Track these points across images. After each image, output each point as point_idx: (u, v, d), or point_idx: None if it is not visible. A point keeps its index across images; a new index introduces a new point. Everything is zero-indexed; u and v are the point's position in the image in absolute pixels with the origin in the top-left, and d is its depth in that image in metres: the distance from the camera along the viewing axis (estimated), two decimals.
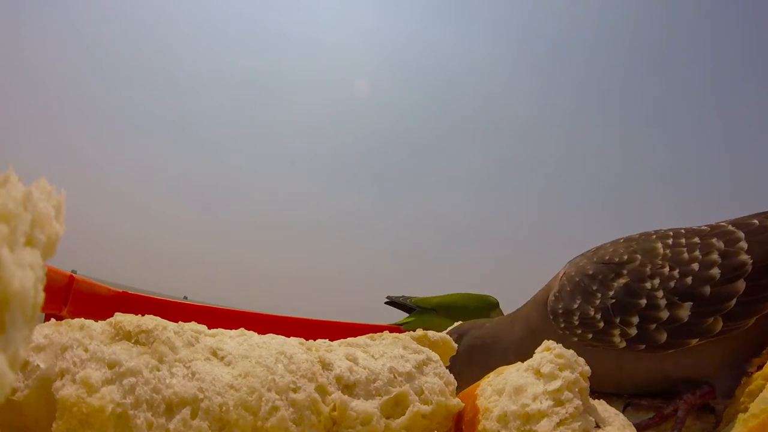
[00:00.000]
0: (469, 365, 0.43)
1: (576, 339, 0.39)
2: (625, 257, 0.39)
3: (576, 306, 0.39)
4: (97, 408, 0.26)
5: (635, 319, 0.37)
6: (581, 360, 0.31)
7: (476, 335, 0.45)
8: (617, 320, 0.37)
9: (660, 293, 0.37)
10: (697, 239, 0.38)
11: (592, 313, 0.38)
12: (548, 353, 0.32)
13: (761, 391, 0.31)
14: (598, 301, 0.38)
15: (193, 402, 0.28)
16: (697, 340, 0.36)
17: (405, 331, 0.44)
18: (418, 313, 0.77)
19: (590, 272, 0.40)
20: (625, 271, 0.38)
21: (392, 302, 0.81)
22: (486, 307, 0.76)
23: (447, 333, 0.47)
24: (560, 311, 0.40)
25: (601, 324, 0.38)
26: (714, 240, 0.38)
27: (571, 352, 0.32)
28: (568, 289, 0.40)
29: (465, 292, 0.79)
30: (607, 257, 0.40)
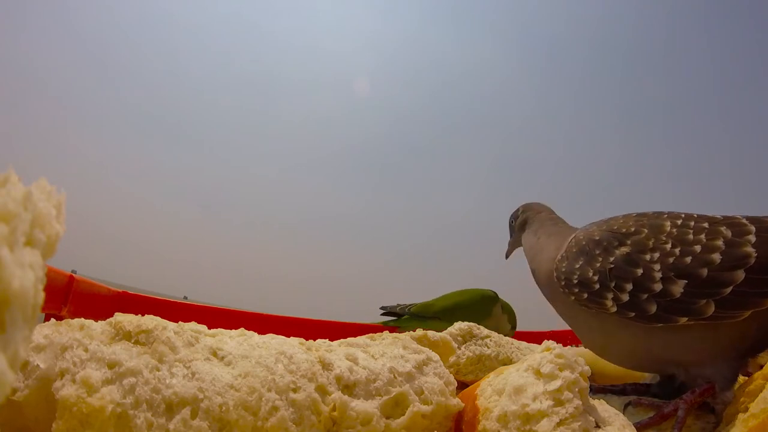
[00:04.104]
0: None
1: (573, 298, 0.41)
2: (633, 229, 0.41)
3: (578, 266, 0.41)
4: (97, 408, 0.26)
5: (629, 286, 0.38)
6: (581, 360, 0.31)
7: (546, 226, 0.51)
8: (612, 284, 0.39)
9: (657, 266, 0.38)
10: (706, 224, 0.39)
11: (591, 274, 0.40)
12: (548, 353, 0.32)
13: (761, 391, 0.31)
14: (598, 265, 0.40)
15: (193, 402, 0.28)
16: (687, 319, 0.36)
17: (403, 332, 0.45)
18: (420, 319, 0.74)
19: (596, 238, 0.41)
20: (629, 241, 0.40)
21: (389, 312, 0.78)
22: (486, 303, 0.74)
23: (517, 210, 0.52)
24: (563, 270, 0.42)
25: (597, 286, 0.39)
26: (723, 228, 0.38)
27: (571, 352, 0.32)
28: (574, 250, 0.42)
29: (462, 290, 0.77)
30: (615, 227, 0.42)
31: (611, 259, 0.39)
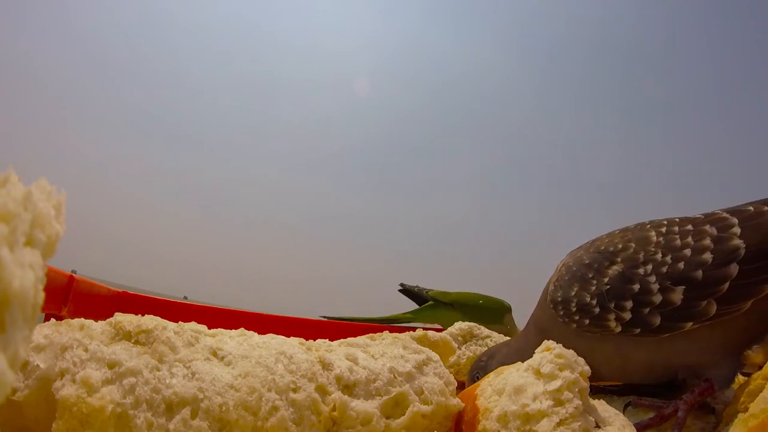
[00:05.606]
0: None
1: (575, 326, 0.40)
2: (620, 246, 0.41)
3: (573, 293, 0.40)
4: (97, 408, 0.26)
5: (629, 304, 0.38)
6: (581, 360, 0.31)
7: (504, 353, 0.47)
8: (612, 305, 0.38)
9: (653, 278, 0.38)
10: (690, 227, 0.39)
11: (588, 299, 0.40)
12: (548, 353, 0.32)
13: (761, 391, 0.31)
14: (593, 288, 0.40)
15: (193, 402, 0.28)
16: (692, 323, 0.37)
17: (413, 327, 0.45)
18: (434, 305, 0.77)
19: (586, 261, 0.41)
20: (619, 259, 0.40)
21: (405, 291, 0.81)
22: (500, 310, 0.76)
23: (479, 358, 0.48)
24: (559, 299, 0.41)
25: (597, 309, 0.39)
26: (707, 227, 0.39)
27: (571, 352, 0.32)
28: (567, 278, 0.42)
29: (480, 293, 0.79)
30: (602, 247, 0.42)
31: (605, 279, 0.39)
